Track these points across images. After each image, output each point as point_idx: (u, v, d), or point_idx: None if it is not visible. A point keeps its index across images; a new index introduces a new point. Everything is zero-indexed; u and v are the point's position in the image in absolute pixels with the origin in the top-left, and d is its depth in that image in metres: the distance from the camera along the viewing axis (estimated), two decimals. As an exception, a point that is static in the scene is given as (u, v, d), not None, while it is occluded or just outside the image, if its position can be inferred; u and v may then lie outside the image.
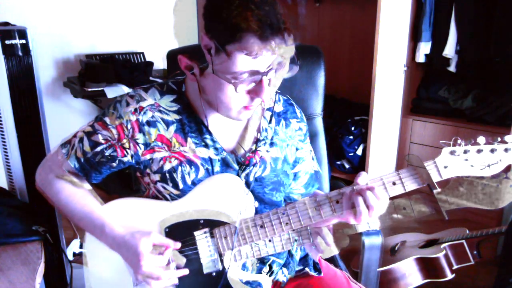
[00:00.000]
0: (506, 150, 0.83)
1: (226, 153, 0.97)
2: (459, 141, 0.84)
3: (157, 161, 0.95)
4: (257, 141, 1.00)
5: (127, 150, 0.95)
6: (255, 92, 0.86)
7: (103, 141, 0.95)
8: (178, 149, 0.95)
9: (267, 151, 1.00)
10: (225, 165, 0.97)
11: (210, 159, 0.96)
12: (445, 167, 0.84)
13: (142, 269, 0.87)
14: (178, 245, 0.93)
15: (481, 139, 0.83)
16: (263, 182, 1.00)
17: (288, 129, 1.06)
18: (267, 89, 0.84)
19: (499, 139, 0.84)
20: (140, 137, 0.95)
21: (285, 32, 0.80)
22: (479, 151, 0.84)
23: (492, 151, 0.83)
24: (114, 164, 0.97)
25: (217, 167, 0.96)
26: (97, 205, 0.97)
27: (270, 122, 1.02)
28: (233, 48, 0.79)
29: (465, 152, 0.84)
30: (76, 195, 0.99)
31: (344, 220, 0.91)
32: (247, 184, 0.97)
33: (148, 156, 0.95)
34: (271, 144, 1.01)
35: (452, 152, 0.84)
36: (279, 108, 1.06)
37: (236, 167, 0.97)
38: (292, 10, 3.22)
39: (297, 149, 1.07)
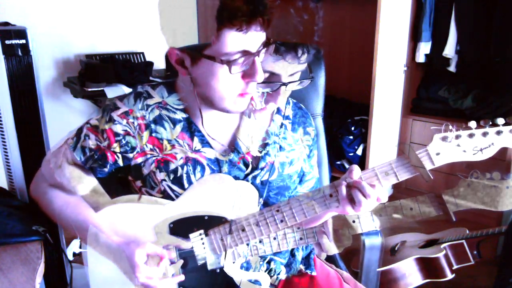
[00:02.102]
0: (498, 133, 0.82)
1: (233, 154, 0.96)
2: (450, 127, 0.83)
3: (149, 164, 0.94)
4: (265, 145, 0.99)
5: (118, 155, 0.95)
6: (248, 75, 0.85)
7: (93, 147, 0.95)
8: (170, 151, 0.94)
9: (276, 155, 1.00)
10: (233, 167, 0.96)
11: (217, 160, 0.96)
12: (437, 154, 0.83)
13: (138, 280, 0.88)
14: (174, 255, 0.93)
15: (472, 123, 0.82)
16: (269, 187, 0.99)
17: (296, 134, 1.05)
18: (260, 70, 0.84)
19: (490, 122, 0.83)
20: (131, 142, 0.94)
21: (267, 9, 0.80)
22: (471, 135, 0.83)
23: (484, 134, 0.82)
24: (106, 170, 0.97)
25: (225, 169, 0.95)
26: (91, 212, 0.96)
27: (271, 122, 1.02)
28: (222, 26, 0.80)
29: (456, 137, 0.83)
30: (70, 204, 0.98)
31: (341, 212, 0.91)
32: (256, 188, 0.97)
33: (139, 160, 0.95)
34: (280, 148, 1.01)
35: (443, 138, 0.83)
36: (288, 111, 1.06)
37: (244, 168, 0.97)
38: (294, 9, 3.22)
39: (304, 154, 1.06)
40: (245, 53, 0.82)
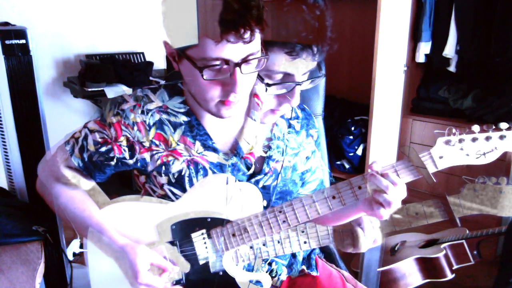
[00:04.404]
0: (501, 137, 0.83)
1: (236, 158, 0.96)
2: (453, 131, 0.83)
3: (155, 160, 0.94)
4: (269, 149, 0.99)
5: (125, 148, 0.94)
6: (227, 84, 0.82)
7: (100, 140, 0.94)
8: (175, 148, 0.94)
9: (279, 160, 0.99)
10: (236, 171, 0.96)
11: (220, 164, 0.95)
12: (441, 157, 0.84)
13: (138, 286, 0.88)
14: (177, 269, 0.92)
15: (475, 128, 0.83)
16: (272, 191, 0.99)
17: (299, 137, 1.04)
18: (240, 82, 0.81)
19: (494, 126, 0.83)
20: (138, 136, 0.94)
21: (253, 22, 0.77)
22: (474, 139, 0.83)
23: (487, 139, 0.83)
24: (113, 163, 0.96)
25: (228, 172, 0.95)
26: (96, 210, 0.96)
27: (274, 126, 1.01)
28: (201, 31, 0.78)
29: (460, 141, 0.83)
30: (75, 200, 0.98)
31: (370, 212, 0.89)
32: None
33: (145, 155, 0.95)
34: (283, 153, 1.00)
35: (447, 142, 0.84)
36: (292, 114, 1.05)
37: (246, 171, 0.97)
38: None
39: (307, 157, 1.06)
40: (224, 61, 0.80)
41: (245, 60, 0.80)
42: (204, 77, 0.80)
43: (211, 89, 0.84)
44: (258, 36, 0.81)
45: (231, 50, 0.78)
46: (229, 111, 0.87)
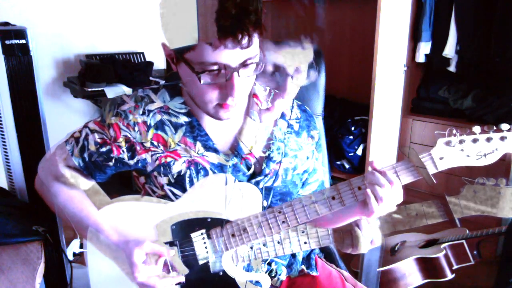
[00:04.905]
0: (502, 138, 0.82)
1: (236, 158, 0.96)
2: (454, 132, 0.83)
3: (154, 160, 0.94)
4: (270, 146, 0.99)
5: (124, 149, 0.94)
6: (225, 88, 0.83)
7: (100, 140, 0.94)
8: (175, 149, 0.94)
9: (280, 161, 0.99)
10: (237, 171, 0.96)
11: (221, 165, 0.95)
12: (441, 158, 0.83)
13: (137, 279, 0.87)
14: (173, 252, 0.92)
15: (476, 129, 0.82)
16: (272, 192, 0.99)
17: (300, 138, 1.04)
18: (238, 86, 0.81)
19: (495, 127, 0.83)
20: (138, 137, 0.94)
21: (251, 27, 0.77)
22: (474, 140, 0.83)
23: (488, 140, 0.83)
24: (111, 163, 0.96)
25: (228, 173, 0.95)
26: (94, 210, 0.96)
27: (275, 127, 1.01)
28: (200, 36, 0.79)
29: (460, 142, 0.83)
30: (74, 199, 0.98)
31: (363, 213, 0.89)
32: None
33: (143, 156, 0.95)
34: (283, 154, 1.00)
35: (447, 143, 0.83)
36: (293, 114, 1.05)
37: (246, 171, 0.96)
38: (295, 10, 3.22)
39: (307, 157, 1.06)
40: (222, 66, 0.80)
41: (243, 65, 0.81)
42: (202, 81, 0.81)
43: (209, 93, 0.84)
44: (256, 40, 0.81)
45: (229, 55, 0.78)
46: (227, 113, 0.88)
